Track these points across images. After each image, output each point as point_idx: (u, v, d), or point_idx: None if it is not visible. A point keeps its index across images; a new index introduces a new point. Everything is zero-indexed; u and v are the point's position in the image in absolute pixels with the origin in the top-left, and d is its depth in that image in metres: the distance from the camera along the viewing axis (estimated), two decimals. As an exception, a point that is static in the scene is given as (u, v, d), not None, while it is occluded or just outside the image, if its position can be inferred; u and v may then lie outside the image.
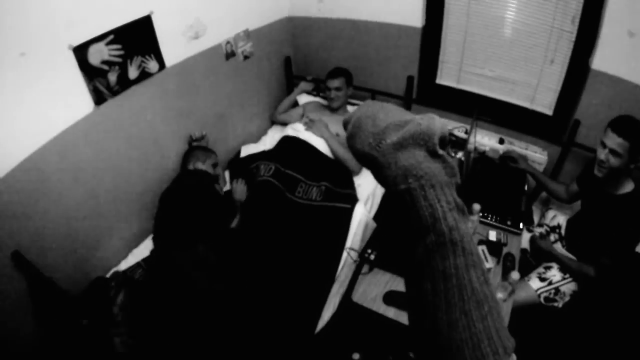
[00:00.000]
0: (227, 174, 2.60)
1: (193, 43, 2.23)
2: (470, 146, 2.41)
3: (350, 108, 2.80)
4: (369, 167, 0.52)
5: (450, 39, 2.54)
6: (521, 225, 2.10)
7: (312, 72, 3.07)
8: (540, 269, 2.06)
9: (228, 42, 2.45)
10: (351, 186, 2.37)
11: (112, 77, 1.87)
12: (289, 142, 2.51)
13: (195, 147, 2.30)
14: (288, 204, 2.18)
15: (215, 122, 2.55)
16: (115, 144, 1.97)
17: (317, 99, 2.94)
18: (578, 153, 2.35)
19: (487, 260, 1.84)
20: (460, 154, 2.41)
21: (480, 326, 0.43)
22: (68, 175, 1.79)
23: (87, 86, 1.77)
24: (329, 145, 2.48)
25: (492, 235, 2.01)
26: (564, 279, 1.98)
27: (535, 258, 2.17)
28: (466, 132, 2.54)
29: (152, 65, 2.03)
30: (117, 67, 1.87)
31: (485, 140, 2.55)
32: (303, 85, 2.96)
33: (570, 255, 2.04)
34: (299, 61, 3.15)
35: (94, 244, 1.99)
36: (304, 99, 2.95)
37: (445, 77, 2.70)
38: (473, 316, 0.43)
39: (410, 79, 2.63)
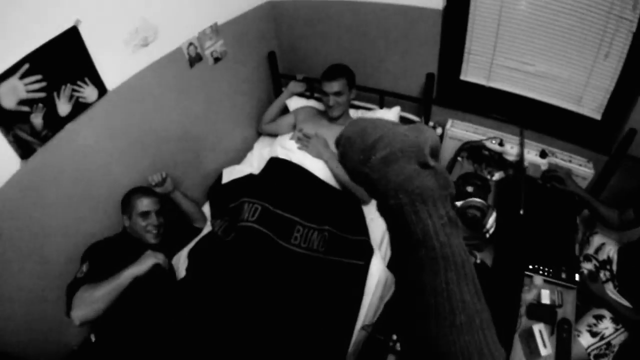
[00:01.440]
0: (207, 207, 2.19)
1: (142, 53, 1.74)
2: (526, 164, 1.98)
3: (353, 114, 2.33)
4: (361, 184, 0.53)
5: (479, 24, 2.03)
6: (577, 276, 1.71)
7: (302, 69, 2.57)
8: (591, 319, 1.75)
9: (191, 44, 1.95)
10: (363, 229, 1.92)
11: (37, 120, 1.44)
12: (278, 169, 2.05)
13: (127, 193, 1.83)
14: (280, 254, 1.75)
15: (185, 145, 2.10)
16: (57, 201, 1.58)
17: (311, 103, 2.46)
18: (630, 168, 1.94)
19: (544, 346, 1.45)
20: (497, 175, 1.99)
21: (471, 339, 0.43)
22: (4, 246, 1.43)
23: (5, 138, 1.36)
24: (330, 169, 2.03)
25: (545, 297, 1.64)
26: (616, 330, 1.70)
27: (583, 300, 1.82)
28: (501, 144, 2.10)
29: (89, 93, 1.57)
30: (41, 106, 1.44)
31: (524, 152, 2.11)
32: (292, 86, 2.46)
33: (625, 302, 1.73)
34: (286, 56, 2.63)
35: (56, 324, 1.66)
36: (294, 103, 2.47)
37: (472, 73, 2.20)
38: (464, 329, 0.44)
39: (430, 77, 2.12)
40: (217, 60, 2.13)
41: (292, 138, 2.15)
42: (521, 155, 1.80)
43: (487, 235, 1.69)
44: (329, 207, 1.91)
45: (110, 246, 1.72)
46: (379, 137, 0.50)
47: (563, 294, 1.71)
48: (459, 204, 1.74)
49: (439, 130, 2.23)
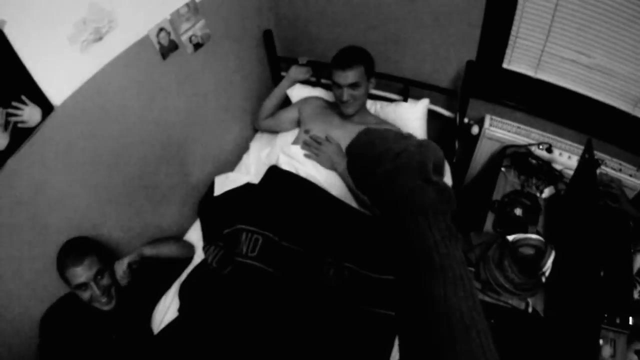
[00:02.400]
0: (196, 228, 1.87)
1: (95, 49, 1.32)
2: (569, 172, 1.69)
3: (372, 106, 1.94)
4: (365, 194, 0.58)
5: (533, 0, 1.61)
6: (631, 319, 1.43)
7: (306, 50, 2.12)
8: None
9: (162, 30, 1.51)
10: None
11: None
12: (281, 183, 1.68)
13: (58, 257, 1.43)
14: (288, 298, 1.45)
15: (166, 154, 1.73)
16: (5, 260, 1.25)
17: (318, 92, 2.04)
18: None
19: None
20: (547, 191, 1.68)
21: (467, 349, 0.44)
22: None
23: None
24: (347, 184, 1.69)
25: (606, 352, 1.37)
26: None
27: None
28: (549, 150, 1.77)
29: (30, 114, 1.18)
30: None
31: (573, 160, 1.79)
32: (294, 72, 2.02)
33: None
34: (286, 35, 2.17)
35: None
36: (298, 92, 2.05)
37: (518, 61, 1.80)
38: (460, 339, 0.44)
39: (470, 65, 1.70)
40: (197, 46, 1.69)
41: (295, 142, 1.77)
42: (591, 172, 1.44)
43: (543, 279, 1.44)
44: (348, 236, 1.57)
45: (67, 314, 1.41)
46: (385, 150, 0.55)
47: (616, 341, 1.44)
48: (511, 238, 1.46)
49: (475, 129, 1.87)
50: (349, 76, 1.66)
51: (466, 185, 2.09)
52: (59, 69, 1.24)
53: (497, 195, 1.69)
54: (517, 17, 1.69)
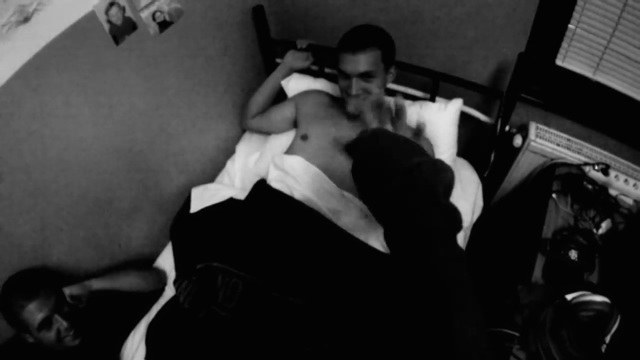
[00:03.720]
0: (169, 251, 1.55)
1: (21, 34, 0.98)
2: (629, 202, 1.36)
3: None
4: (367, 205, 0.58)
5: None
6: None
7: (307, 32, 1.74)
8: None
9: (112, 4, 1.13)
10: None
11: None
12: (270, 208, 1.36)
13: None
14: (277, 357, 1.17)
15: (129, 164, 1.40)
16: None
17: (321, 85, 1.67)
18: None
19: None
20: (604, 226, 1.38)
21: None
22: None
23: None
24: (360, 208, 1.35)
25: None
26: None
27: None
28: (605, 172, 1.46)
29: None
30: None
31: (631, 187, 1.47)
32: (292, 58, 1.64)
33: None
34: (281, 13, 1.78)
35: None
36: (295, 84, 1.68)
37: (575, 58, 1.44)
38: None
39: (523, 59, 1.32)
40: (164, 25, 1.31)
41: (290, 151, 1.42)
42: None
43: (603, 350, 1.17)
44: (353, 280, 1.24)
45: None
46: (394, 164, 0.55)
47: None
48: (569, 297, 1.17)
49: (518, 140, 1.52)
50: (360, 62, 1.28)
51: (498, 203, 1.79)
52: None
53: (547, 232, 1.36)
54: (579, 4, 1.33)
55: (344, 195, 1.38)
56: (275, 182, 1.44)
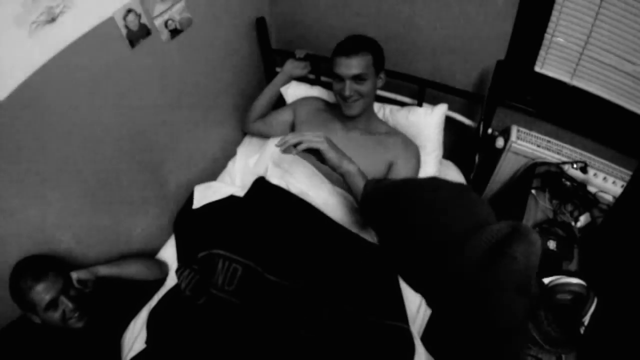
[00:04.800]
0: (172, 244, 1.65)
1: (47, 33, 1.09)
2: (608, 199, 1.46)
3: (379, 110, 1.70)
4: (405, 277, 0.56)
5: None
6: None
7: (305, 43, 1.87)
8: None
9: (130, 11, 1.27)
10: (399, 307, 1.33)
11: None
12: (269, 201, 1.45)
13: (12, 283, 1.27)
14: (273, 342, 1.22)
15: (138, 160, 1.50)
16: None
17: (317, 92, 1.79)
18: None
19: None
20: (583, 219, 1.46)
21: None
22: None
23: None
24: (351, 184, 1.32)
25: None
26: None
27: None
28: (584, 170, 1.55)
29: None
30: None
31: (610, 183, 1.56)
32: (290, 66, 1.78)
33: None
34: (282, 25, 1.92)
35: None
36: (294, 91, 1.81)
37: (553, 64, 1.57)
38: None
39: (501, 65, 1.45)
40: (175, 33, 1.45)
41: (288, 151, 1.49)
42: None
43: (580, 332, 1.23)
44: (348, 270, 1.34)
45: (22, 340, 1.26)
46: (466, 235, 0.43)
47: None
48: (547, 281, 1.25)
49: (500, 142, 1.64)
50: (353, 65, 1.41)
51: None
52: (3, 56, 1.02)
53: (528, 222, 1.46)
54: (555, 11, 1.46)
55: (337, 192, 1.49)
56: (274, 178, 1.53)
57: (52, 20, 1.12)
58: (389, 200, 0.56)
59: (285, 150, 1.24)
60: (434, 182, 0.53)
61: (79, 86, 1.22)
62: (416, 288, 0.51)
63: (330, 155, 1.25)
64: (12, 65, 1.06)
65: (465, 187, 0.49)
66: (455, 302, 0.41)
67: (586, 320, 1.20)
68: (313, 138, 1.26)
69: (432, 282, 0.45)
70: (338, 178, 1.45)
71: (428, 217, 0.48)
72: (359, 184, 1.25)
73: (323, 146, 1.25)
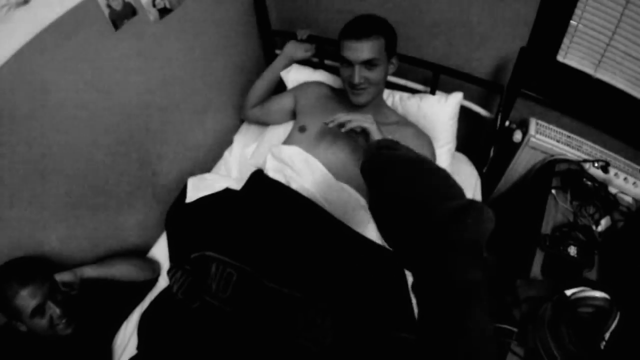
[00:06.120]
0: (164, 241, 1.55)
1: (21, 16, 0.97)
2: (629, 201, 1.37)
3: (389, 97, 1.58)
4: (390, 243, 0.55)
5: None
6: None
7: (308, 23, 1.73)
8: None
9: (113, -11, 1.16)
10: (406, 314, 1.24)
11: None
12: (267, 198, 1.36)
13: None
14: (270, 353, 1.14)
15: (120, 151, 1.38)
16: None
17: (320, 76, 1.66)
18: None
19: None
20: (604, 223, 1.38)
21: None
22: None
23: None
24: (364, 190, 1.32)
25: None
26: None
27: None
28: (605, 169, 1.46)
29: None
30: None
31: (630, 184, 1.46)
32: (292, 48, 1.64)
33: None
34: (282, 4, 1.78)
35: None
36: (295, 75, 1.67)
37: (576, 54, 1.45)
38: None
39: (524, 53, 1.30)
40: (164, 12, 1.31)
41: (288, 142, 1.41)
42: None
43: (602, 347, 1.17)
44: (353, 274, 1.24)
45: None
46: (434, 206, 0.50)
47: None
48: (569, 293, 1.17)
49: (517, 136, 1.53)
50: (364, 49, 1.27)
51: (496, 199, 1.79)
52: None
53: (546, 227, 1.37)
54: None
55: (342, 187, 1.38)
56: (272, 172, 1.44)
57: (25, 2, 0.99)
58: (386, 167, 0.61)
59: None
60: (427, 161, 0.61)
61: (57, 74, 1.10)
62: (393, 245, 0.56)
63: (377, 135, 1.24)
64: None
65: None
66: (422, 260, 0.49)
67: (607, 335, 1.14)
68: (361, 117, 1.25)
69: (406, 238, 0.52)
70: (342, 172, 1.39)
71: (416, 179, 0.56)
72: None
73: (372, 127, 1.24)
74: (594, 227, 1.35)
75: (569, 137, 1.52)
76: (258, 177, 1.46)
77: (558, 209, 1.40)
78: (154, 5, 1.28)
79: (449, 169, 1.51)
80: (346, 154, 1.39)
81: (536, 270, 1.31)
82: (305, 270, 1.23)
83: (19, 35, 1.01)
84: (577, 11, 1.36)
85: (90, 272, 1.30)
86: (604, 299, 1.12)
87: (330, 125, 1.27)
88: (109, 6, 1.15)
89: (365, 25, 1.29)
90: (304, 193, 1.35)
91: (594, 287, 1.17)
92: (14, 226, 1.16)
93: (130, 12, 1.22)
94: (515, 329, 1.16)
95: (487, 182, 1.66)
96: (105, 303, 1.36)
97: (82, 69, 1.16)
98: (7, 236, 1.16)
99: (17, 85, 1.02)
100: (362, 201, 1.38)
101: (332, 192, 1.37)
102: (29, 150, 1.11)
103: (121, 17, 1.20)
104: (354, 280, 1.24)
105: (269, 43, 1.79)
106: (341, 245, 1.30)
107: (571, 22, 1.39)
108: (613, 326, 1.12)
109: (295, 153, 1.41)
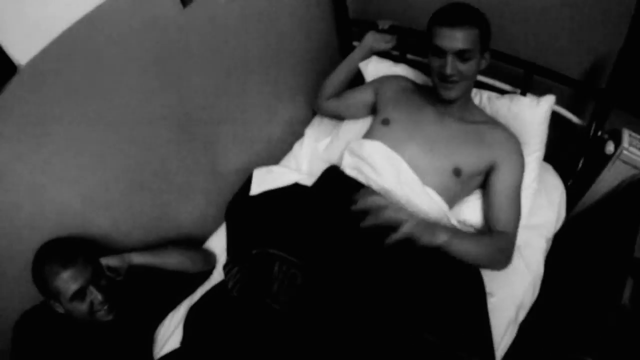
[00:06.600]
0: (222, 233, 1.48)
1: None
2: None
3: (475, 96, 1.48)
4: None
5: None
6: None
7: (389, 12, 1.63)
8: None
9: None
10: (486, 343, 1.12)
11: None
12: (342, 196, 1.23)
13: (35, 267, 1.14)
14: None
15: (182, 136, 1.32)
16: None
17: (402, 70, 1.57)
18: None
19: None
20: None
21: None
22: None
23: None
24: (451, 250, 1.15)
25: None
26: None
27: None
28: None
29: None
30: None
31: None
32: (372, 39, 1.56)
33: None
34: None
35: None
36: (374, 68, 1.59)
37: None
38: None
39: (624, 55, 1.21)
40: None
41: (368, 136, 1.29)
42: None
43: None
44: (430, 291, 1.13)
45: (46, 324, 1.16)
46: None
47: None
48: None
49: (610, 147, 1.42)
50: (458, 38, 1.17)
51: (578, 215, 1.68)
52: (28, 13, 0.85)
53: (638, 252, 1.25)
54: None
55: (426, 192, 1.27)
56: (350, 169, 1.34)
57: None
58: None
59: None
60: None
61: (117, 49, 1.03)
62: None
63: (419, 233, 1.06)
64: (36, 24, 0.88)
65: None
66: None
67: None
68: (403, 214, 1.09)
69: None
70: (429, 176, 1.27)
71: None
72: (463, 246, 1.13)
73: (408, 228, 1.05)
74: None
75: (664, 152, 1.42)
76: (333, 173, 1.36)
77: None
78: (230, -17, 1.20)
79: (536, 180, 1.41)
80: (437, 155, 1.29)
81: (626, 298, 1.19)
82: (381, 282, 1.11)
83: (77, 6, 0.93)
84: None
85: (139, 258, 1.25)
86: None
87: (355, 208, 1.12)
88: (178, -19, 1.08)
89: (461, 13, 1.20)
90: (385, 195, 1.24)
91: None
92: (61, 205, 1.10)
93: (201, -12, 1.15)
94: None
95: (572, 196, 1.56)
96: (152, 292, 1.31)
97: (144, 46, 1.09)
98: (55, 211, 1.10)
99: (75, 56, 0.96)
100: (447, 210, 1.28)
101: (416, 197, 1.25)
102: (83, 127, 1.05)
103: (190, -7, 1.13)
104: (432, 296, 1.12)
105: (345, 33, 1.71)
106: (421, 258, 1.15)
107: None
108: None
109: (377, 148, 1.30)
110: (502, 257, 1.22)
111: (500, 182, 1.27)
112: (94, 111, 1.05)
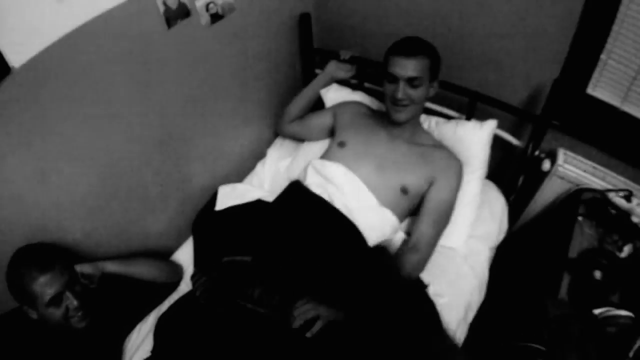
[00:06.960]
0: (189, 246, 1.54)
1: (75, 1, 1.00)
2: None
3: (424, 122, 1.62)
4: None
5: (633, 15, 1.34)
6: None
7: (350, 43, 1.77)
8: None
9: (173, -11, 1.19)
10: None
11: None
12: (305, 210, 1.36)
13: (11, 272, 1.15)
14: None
15: (156, 151, 1.40)
16: None
17: (360, 97, 1.70)
18: None
19: None
20: (626, 250, 1.42)
21: None
22: None
23: None
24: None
25: None
26: None
27: None
28: (628, 199, 1.51)
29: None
30: None
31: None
32: (333, 68, 1.68)
33: None
34: (327, 22, 1.83)
35: None
36: (334, 94, 1.71)
37: (605, 87, 1.51)
38: None
39: (557, 86, 1.39)
40: (216, 17, 1.36)
41: (325, 157, 1.41)
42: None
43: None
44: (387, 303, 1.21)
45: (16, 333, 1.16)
46: None
47: None
48: (597, 312, 1.20)
49: (546, 165, 1.57)
50: (410, 66, 1.31)
51: (521, 227, 1.82)
52: (26, 20, 0.92)
53: (572, 252, 1.41)
54: (613, 33, 1.41)
55: (382, 212, 1.38)
56: (314, 185, 1.42)
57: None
58: None
59: None
60: None
61: (104, 60, 1.11)
62: None
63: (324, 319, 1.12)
64: (33, 30, 0.95)
65: None
66: None
67: (632, 353, 1.16)
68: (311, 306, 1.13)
69: None
70: (384, 197, 1.39)
71: None
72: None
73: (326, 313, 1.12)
74: (617, 253, 1.39)
75: (594, 167, 1.57)
76: (297, 188, 1.45)
77: (584, 235, 1.44)
78: (207, 10, 1.32)
79: (478, 196, 1.54)
80: (387, 174, 1.41)
81: (563, 292, 1.33)
82: (341, 295, 1.19)
83: (73, 17, 1.02)
84: (608, 46, 1.43)
85: (111, 267, 1.28)
86: (629, 317, 1.15)
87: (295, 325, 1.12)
88: (165, 4, 1.19)
89: (414, 45, 1.35)
90: (347, 215, 1.34)
91: (618, 308, 1.20)
92: (37, 212, 1.14)
93: (184, 12, 1.26)
94: (543, 348, 1.18)
95: (513, 211, 1.70)
96: (123, 301, 1.34)
97: (129, 61, 1.18)
98: (34, 218, 1.14)
99: (64, 67, 1.03)
100: (397, 224, 1.41)
101: (372, 215, 1.37)
102: (63, 137, 1.11)
103: (175, 16, 1.24)
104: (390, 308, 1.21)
105: (308, 60, 1.83)
106: (377, 274, 1.29)
107: (601, 56, 1.46)
108: (637, 345, 1.14)
109: (338, 169, 1.41)
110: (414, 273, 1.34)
111: (432, 196, 1.40)
112: (76, 122, 1.12)
